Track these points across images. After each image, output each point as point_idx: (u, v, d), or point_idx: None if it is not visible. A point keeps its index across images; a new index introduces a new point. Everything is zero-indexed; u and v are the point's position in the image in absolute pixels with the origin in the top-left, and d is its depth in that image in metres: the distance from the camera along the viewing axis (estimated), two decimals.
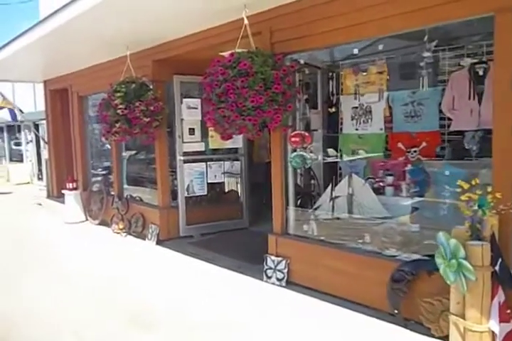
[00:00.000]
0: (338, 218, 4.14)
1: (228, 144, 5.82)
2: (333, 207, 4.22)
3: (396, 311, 3.11)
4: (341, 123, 4.64)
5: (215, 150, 5.90)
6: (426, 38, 3.47)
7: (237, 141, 5.88)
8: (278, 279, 4.02)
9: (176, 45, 5.09)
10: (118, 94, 5.00)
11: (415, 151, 4.15)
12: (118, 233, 6.21)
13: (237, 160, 5.98)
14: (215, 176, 5.81)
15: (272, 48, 3.90)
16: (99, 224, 6.90)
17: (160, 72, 5.48)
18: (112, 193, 7.02)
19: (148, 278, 4.46)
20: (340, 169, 4.73)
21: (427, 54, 3.56)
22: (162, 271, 4.67)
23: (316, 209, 4.27)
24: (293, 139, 3.93)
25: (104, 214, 6.80)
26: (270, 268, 4.10)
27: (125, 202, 6.32)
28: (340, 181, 4.41)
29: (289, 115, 3.70)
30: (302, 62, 4.05)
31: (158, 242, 5.60)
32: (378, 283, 3.25)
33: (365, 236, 3.80)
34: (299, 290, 3.86)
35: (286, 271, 3.98)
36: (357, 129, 4.51)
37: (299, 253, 3.94)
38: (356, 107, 4.55)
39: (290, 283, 3.97)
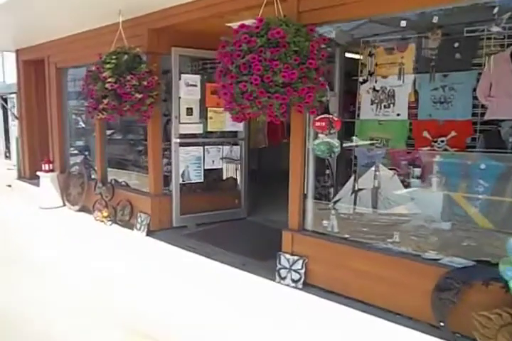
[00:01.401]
0: (361, 213, 3.72)
1: (227, 127, 5.31)
2: (355, 200, 3.79)
3: (442, 323, 2.73)
4: (359, 108, 4.19)
5: (212, 134, 5.36)
6: (496, 10, 3.00)
7: (237, 124, 5.34)
8: (293, 280, 3.59)
9: (178, 11, 4.46)
10: (108, 66, 4.36)
11: (443, 141, 3.75)
12: (102, 221, 5.63)
13: (237, 144, 5.47)
14: (213, 162, 5.29)
15: (299, 18, 3.38)
16: (79, 210, 6.29)
17: (156, 42, 4.86)
18: (94, 177, 6.41)
19: (140, 276, 3.96)
20: (355, 158, 4.31)
21: (496, 28, 3.09)
22: (156, 267, 4.17)
23: (335, 202, 3.83)
24: (318, 124, 3.46)
25: (85, 199, 6.19)
26: (284, 268, 3.66)
27: (110, 187, 5.73)
28: (356, 172, 4.00)
29: (323, 95, 3.21)
30: (329, 36, 3.54)
31: (149, 233, 5.07)
32: (419, 291, 2.88)
33: (394, 234, 3.41)
34: (319, 293, 3.45)
35: (303, 271, 3.55)
36: (377, 115, 4.10)
37: (318, 252, 3.51)
38: (377, 90, 4.11)
39: (307, 285, 3.55)
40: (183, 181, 5.14)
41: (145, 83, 4.39)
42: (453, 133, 3.68)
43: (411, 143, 3.88)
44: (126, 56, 4.45)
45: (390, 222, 3.60)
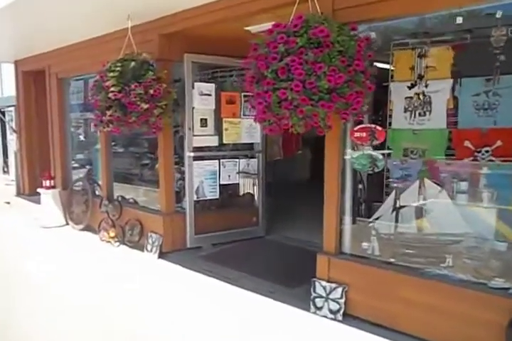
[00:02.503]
0: (404, 233, 3.33)
1: (244, 138, 4.94)
2: (396, 219, 3.40)
3: None
4: (390, 116, 3.83)
5: (227, 146, 4.98)
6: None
7: (255, 135, 4.99)
8: (331, 311, 3.18)
9: (190, 15, 4.14)
10: (111, 74, 4.00)
11: (487, 151, 3.38)
12: (108, 242, 5.22)
13: (253, 157, 5.09)
14: (229, 176, 4.90)
15: (334, 17, 3.03)
16: (83, 229, 5.86)
17: (167, 49, 4.52)
18: (98, 193, 6.01)
19: (154, 304, 3.52)
20: (387, 171, 3.93)
21: None
22: (171, 294, 3.73)
23: (373, 221, 3.44)
24: (357, 134, 3.09)
25: (90, 218, 5.77)
26: (320, 297, 3.25)
27: (117, 205, 5.32)
28: (388, 186, 3.62)
29: (370, 100, 2.85)
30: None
31: (161, 255, 4.66)
32: (488, 326, 2.48)
33: (446, 258, 3.02)
34: (362, 326, 3.04)
35: (343, 301, 3.14)
36: (411, 124, 3.73)
37: (360, 279, 3.11)
38: (411, 97, 3.75)
39: (348, 317, 3.14)
40: (198, 198, 4.75)
41: (151, 92, 4.01)
42: (499, 143, 3.31)
43: (450, 154, 3.51)
44: (133, 63, 4.09)
45: (439, 243, 3.21)
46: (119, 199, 5.58)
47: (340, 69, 2.52)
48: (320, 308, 3.24)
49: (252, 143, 5.10)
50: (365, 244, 3.28)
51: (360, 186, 3.98)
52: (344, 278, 3.17)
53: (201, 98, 4.60)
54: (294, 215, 6.03)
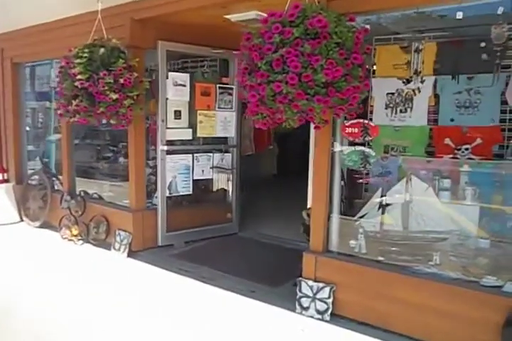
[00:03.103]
0: (390, 231, 3.30)
1: (218, 132, 4.76)
2: (381, 216, 3.36)
3: None
4: (371, 112, 3.79)
5: (201, 140, 4.78)
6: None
7: (229, 129, 4.82)
8: (319, 311, 3.10)
9: (164, 0, 3.89)
10: (78, 61, 3.69)
11: (467, 149, 3.41)
12: (70, 240, 4.89)
13: (227, 152, 4.92)
14: (203, 171, 4.71)
15: (329, 7, 2.90)
16: (41, 226, 5.47)
17: (140, 35, 4.23)
18: (57, 188, 5.63)
19: (124, 309, 3.29)
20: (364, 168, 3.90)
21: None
22: (143, 296, 3.51)
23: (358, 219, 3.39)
24: (349, 130, 3.01)
25: (48, 215, 5.39)
26: (306, 296, 3.16)
27: (81, 200, 4.99)
28: (368, 183, 3.59)
29: (367, 96, 2.76)
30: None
31: (130, 254, 4.40)
32: (483, 325, 2.48)
33: (433, 255, 3.01)
34: (351, 326, 2.98)
35: (330, 300, 3.07)
36: (392, 120, 3.71)
37: (349, 278, 3.04)
38: (392, 93, 3.72)
39: (336, 317, 3.07)
40: (170, 193, 4.52)
41: (122, 81, 3.74)
42: (479, 141, 3.34)
43: (430, 151, 3.51)
44: (102, 49, 3.80)
45: (425, 240, 3.20)
46: (81, 194, 5.24)
47: (338, 63, 2.41)
48: (306, 308, 3.15)
49: (226, 137, 4.92)
50: (352, 242, 3.22)
51: (341, 183, 3.94)
52: (332, 278, 3.10)
53: (175, 89, 4.37)
54: (266, 211, 5.93)
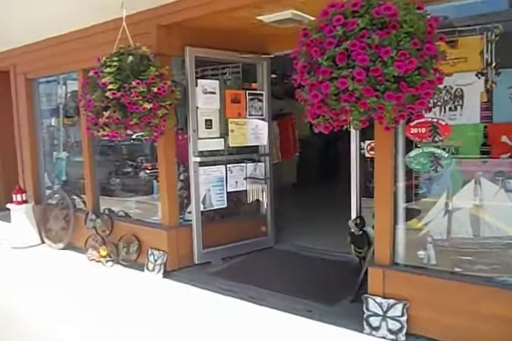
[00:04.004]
0: (459, 239, 3.02)
1: (250, 141, 4.51)
2: (449, 223, 3.09)
3: None
4: None
5: (232, 149, 4.52)
6: None
7: (261, 137, 4.56)
8: (391, 331, 2.81)
9: (192, 3, 3.67)
10: (108, 70, 3.46)
11: None
12: (98, 261, 4.61)
13: (259, 161, 4.66)
14: (236, 182, 4.44)
15: None
16: (64, 248, 5.20)
17: (167, 42, 4.01)
18: (79, 207, 5.37)
19: (175, 335, 3.02)
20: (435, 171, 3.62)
21: None
22: (194, 323, 3.22)
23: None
24: (414, 130, 2.75)
25: (72, 235, 5.12)
26: (376, 315, 2.87)
27: (107, 219, 4.72)
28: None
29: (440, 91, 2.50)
30: None
31: (166, 274, 4.13)
32: None
33: None
34: None
35: (404, 318, 2.78)
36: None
37: (423, 292, 2.76)
38: (440, 90, 3.47)
39: (411, 336, 2.78)
40: (205, 208, 4.26)
41: (155, 90, 3.51)
42: None
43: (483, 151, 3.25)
44: (131, 57, 3.57)
45: (499, 247, 2.93)
46: (106, 212, 4.97)
47: (412, 53, 2.16)
48: (376, 328, 2.86)
49: (257, 146, 4.67)
50: (421, 253, 2.95)
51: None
52: (403, 293, 2.81)
53: (205, 96, 4.13)
54: (296, 221, 5.65)
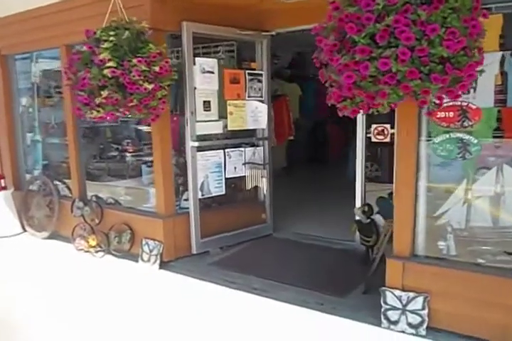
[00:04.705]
0: (480, 228, 2.91)
1: (249, 124, 4.27)
2: (468, 212, 2.97)
3: None
4: None
5: (231, 133, 4.28)
6: None
7: (260, 120, 4.33)
8: (411, 325, 2.69)
9: None
10: (105, 45, 3.15)
11: None
12: (87, 252, 4.35)
13: (258, 145, 4.44)
14: (235, 168, 4.22)
15: None
16: (49, 237, 4.90)
17: (162, 16, 3.68)
18: (64, 193, 5.05)
19: (178, 330, 2.84)
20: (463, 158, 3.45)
21: None
22: (199, 318, 3.03)
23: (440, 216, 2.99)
24: (442, 114, 2.58)
25: (57, 224, 4.82)
26: (394, 309, 2.75)
27: (97, 207, 4.44)
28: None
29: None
30: None
31: (162, 265, 3.92)
32: None
33: None
34: (454, 340, 2.60)
35: (425, 312, 2.67)
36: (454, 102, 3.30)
37: (445, 285, 2.64)
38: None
39: (432, 330, 2.67)
40: (203, 195, 4.03)
41: (157, 69, 3.23)
42: None
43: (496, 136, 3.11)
44: (127, 33, 3.25)
45: None
46: (93, 199, 4.68)
47: (461, 32, 1.97)
48: (395, 322, 2.74)
49: (255, 129, 4.44)
50: (441, 244, 2.82)
51: None
52: (424, 286, 2.69)
53: (203, 76, 3.85)
54: (292, 207, 5.48)
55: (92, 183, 5.10)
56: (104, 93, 3.08)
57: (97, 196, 4.78)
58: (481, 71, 2.15)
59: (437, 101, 2.21)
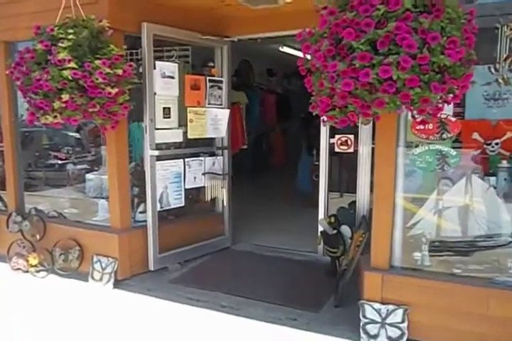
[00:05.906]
0: (451, 238, 2.96)
1: (209, 132, 4.09)
2: (438, 223, 3.02)
3: None
4: None
5: (190, 142, 4.07)
6: None
7: (220, 128, 4.17)
8: (391, 339, 2.66)
9: None
10: (64, 44, 2.85)
11: (497, 144, 3.22)
12: (26, 271, 3.91)
13: (218, 155, 4.27)
14: (195, 179, 4.01)
15: None
16: None
17: (120, 15, 3.42)
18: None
19: None
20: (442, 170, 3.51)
21: None
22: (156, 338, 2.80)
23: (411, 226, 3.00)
24: (421, 127, 2.59)
25: None
26: (374, 322, 2.70)
27: (38, 221, 4.00)
28: None
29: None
30: None
31: (116, 284, 3.60)
32: None
33: (509, 263, 2.73)
34: None
35: (405, 325, 2.64)
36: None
37: (425, 296, 2.63)
38: None
39: None
40: (162, 207, 3.77)
41: (119, 72, 2.97)
42: (509, 134, 3.15)
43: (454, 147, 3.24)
44: (85, 31, 2.98)
45: (489, 245, 2.91)
46: (32, 212, 4.24)
47: (461, 42, 1.98)
48: (374, 336, 2.69)
49: (214, 138, 4.27)
50: (417, 255, 2.83)
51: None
52: (403, 298, 2.67)
53: (164, 81, 3.63)
54: (246, 218, 5.34)
55: (30, 194, 4.64)
56: (65, 97, 2.77)
57: (36, 209, 4.33)
58: (473, 82, 2.17)
59: (417, 116, 2.21)
